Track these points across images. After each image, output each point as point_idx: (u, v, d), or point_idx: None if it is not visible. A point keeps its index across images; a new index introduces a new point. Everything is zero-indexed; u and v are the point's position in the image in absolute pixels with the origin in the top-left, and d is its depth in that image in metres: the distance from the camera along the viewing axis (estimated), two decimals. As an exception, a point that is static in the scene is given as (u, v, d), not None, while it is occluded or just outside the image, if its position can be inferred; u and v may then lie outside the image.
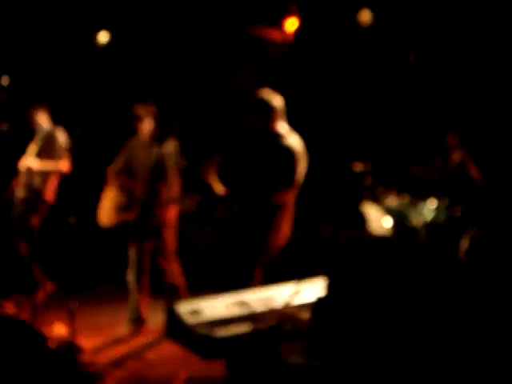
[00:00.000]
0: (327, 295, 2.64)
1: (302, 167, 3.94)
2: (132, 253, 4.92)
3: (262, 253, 3.89)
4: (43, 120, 5.66)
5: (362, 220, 6.77)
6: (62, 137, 5.61)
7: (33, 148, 5.49)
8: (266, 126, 3.93)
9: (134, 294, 4.92)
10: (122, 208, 4.79)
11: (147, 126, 4.82)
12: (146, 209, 4.73)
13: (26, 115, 5.64)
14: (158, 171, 4.81)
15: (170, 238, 4.92)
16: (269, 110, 3.93)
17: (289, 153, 3.86)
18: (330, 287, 2.61)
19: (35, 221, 5.55)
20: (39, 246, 5.65)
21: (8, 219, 5.61)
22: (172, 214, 4.91)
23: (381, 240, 2.80)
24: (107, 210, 4.85)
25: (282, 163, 3.85)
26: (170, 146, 4.85)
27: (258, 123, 3.94)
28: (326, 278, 2.66)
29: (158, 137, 4.87)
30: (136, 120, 4.81)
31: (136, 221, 4.74)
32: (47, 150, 5.52)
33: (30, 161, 5.37)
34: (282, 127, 4.01)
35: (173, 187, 4.80)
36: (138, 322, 4.93)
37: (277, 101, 3.98)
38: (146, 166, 4.81)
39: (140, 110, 4.80)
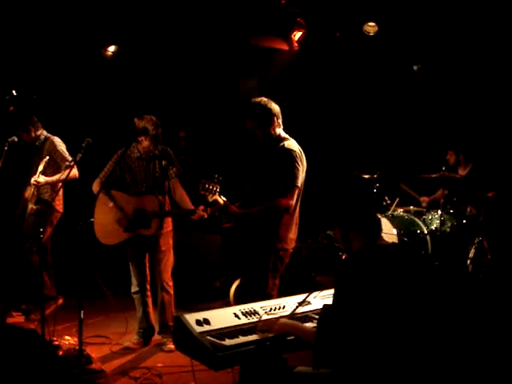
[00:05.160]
0: (334, 304, 2.66)
1: (303, 170, 3.95)
2: (132, 265, 4.92)
3: (270, 259, 3.89)
4: (39, 131, 5.60)
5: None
6: (61, 145, 5.58)
7: (38, 164, 5.41)
8: (266, 132, 3.94)
9: (141, 305, 4.93)
10: (121, 224, 4.69)
11: (147, 138, 4.70)
12: (160, 221, 4.69)
13: (19, 134, 5.52)
14: (160, 183, 4.81)
15: (170, 248, 4.90)
16: (268, 116, 3.94)
17: (291, 155, 3.86)
18: (337, 296, 2.62)
19: (47, 232, 5.54)
20: (51, 257, 5.65)
21: (19, 232, 5.58)
22: (170, 224, 4.91)
23: (389, 248, 2.81)
24: (107, 227, 4.73)
25: (286, 165, 3.85)
26: (166, 157, 4.82)
27: (258, 130, 3.95)
28: (333, 286, 2.67)
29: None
30: (136, 133, 4.67)
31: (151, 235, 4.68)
32: (52, 164, 5.50)
33: (38, 177, 5.31)
34: (281, 132, 4.04)
35: (182, 197, 4.76)
36: (146, 331, 4.95)
37: (274, 106, 4.00)
38: (150, 178, 4.78)
39: (141, 122, 4.67)
